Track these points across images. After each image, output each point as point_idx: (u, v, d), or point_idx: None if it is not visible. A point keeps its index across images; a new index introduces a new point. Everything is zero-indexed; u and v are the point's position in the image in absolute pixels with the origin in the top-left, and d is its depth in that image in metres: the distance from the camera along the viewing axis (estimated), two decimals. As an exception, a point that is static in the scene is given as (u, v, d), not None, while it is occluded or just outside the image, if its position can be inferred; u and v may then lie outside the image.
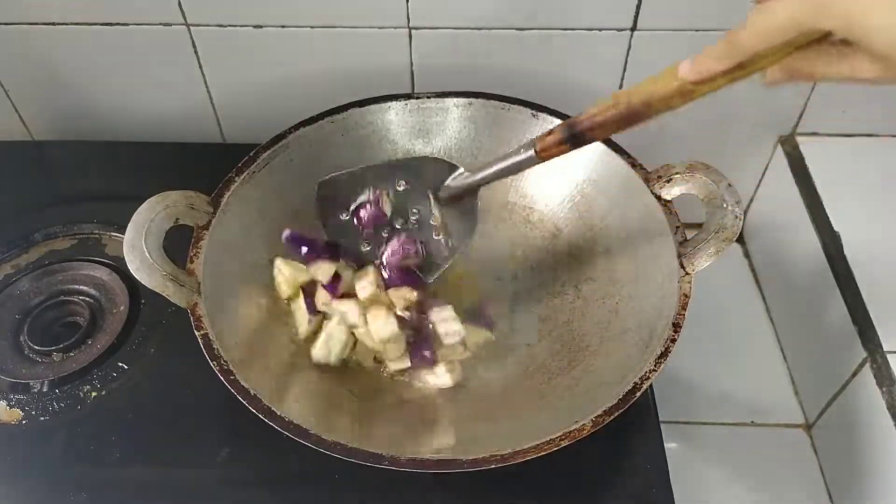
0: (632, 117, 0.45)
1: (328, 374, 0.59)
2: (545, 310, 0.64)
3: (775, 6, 0.37)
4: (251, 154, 0.63)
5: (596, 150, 0.64)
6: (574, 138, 0.49)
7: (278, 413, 0.49)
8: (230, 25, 0.74)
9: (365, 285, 0.59)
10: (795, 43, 0.38)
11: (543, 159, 0.51)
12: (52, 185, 0.79)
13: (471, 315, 0.62)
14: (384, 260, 0.61)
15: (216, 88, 0.81)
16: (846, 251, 0.71)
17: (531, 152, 0.51)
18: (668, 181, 0.60)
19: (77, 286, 0.68)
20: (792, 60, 0.39)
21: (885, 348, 0.64)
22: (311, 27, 0.74)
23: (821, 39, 0.38)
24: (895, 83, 0.37)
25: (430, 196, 0.60)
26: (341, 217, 0.61)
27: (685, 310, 0.54)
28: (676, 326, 0.53)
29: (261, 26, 0.74)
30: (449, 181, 0.59)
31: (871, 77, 0.37)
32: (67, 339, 0.64)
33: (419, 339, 0.59)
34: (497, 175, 0.55)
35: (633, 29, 0.72)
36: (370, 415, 0.56)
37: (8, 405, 0.60)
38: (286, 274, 0.60)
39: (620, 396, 0.50)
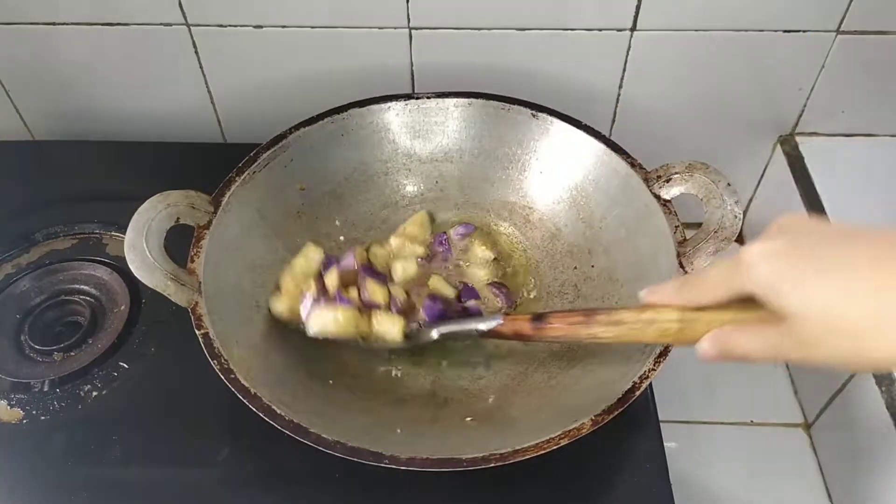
0: (582, 321, 0.49)
1: (329, 373, 0.59)
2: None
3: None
4: (252, 154, 0.63)
5: (595, 149, 0.64)
6: (538, 318, 0.52)
7: (279, 412, 0.50)
8: (230, 25, 0.74)
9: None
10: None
11: (502, 335, 0.54)
12: (52, 185, 0.79)
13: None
14: None
15: (216, 88, 0.81)
16: (845, 251, 0.71)
17: (498, 320, 0.53)
18: (668, 181, 0.60)
19: (78, 286, 0.68)
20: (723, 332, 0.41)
21: (885, 348, 0.64)
22: (312, 27, 0.74)
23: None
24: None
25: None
26: None
27: (685, 309, 0.54)
28: (676, 326, 0.53)
29: (261, 26, 0.74)
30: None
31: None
32: (68, 339, 0.64)
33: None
34: (459, 334, 0.57)
35: (633, 29, 0.72)
36: (370, 413, 0.56)
37: (8, 405, 0.60)
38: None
39: (620, 395, 0.50)
